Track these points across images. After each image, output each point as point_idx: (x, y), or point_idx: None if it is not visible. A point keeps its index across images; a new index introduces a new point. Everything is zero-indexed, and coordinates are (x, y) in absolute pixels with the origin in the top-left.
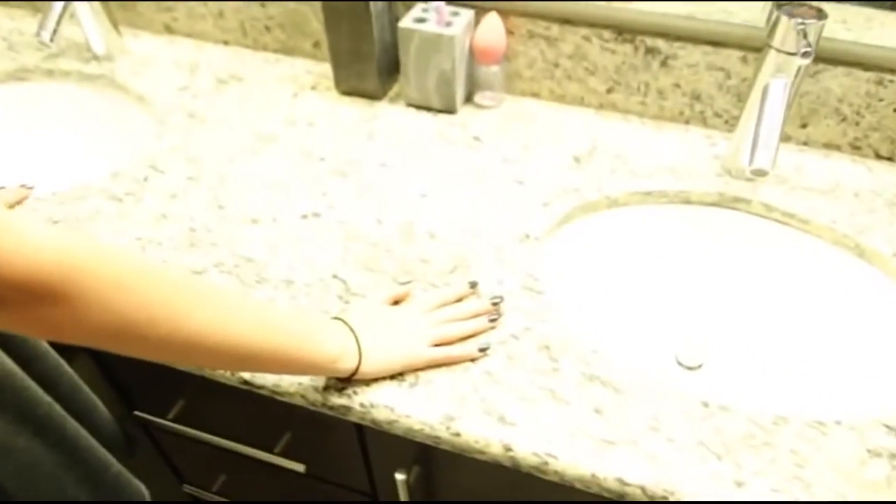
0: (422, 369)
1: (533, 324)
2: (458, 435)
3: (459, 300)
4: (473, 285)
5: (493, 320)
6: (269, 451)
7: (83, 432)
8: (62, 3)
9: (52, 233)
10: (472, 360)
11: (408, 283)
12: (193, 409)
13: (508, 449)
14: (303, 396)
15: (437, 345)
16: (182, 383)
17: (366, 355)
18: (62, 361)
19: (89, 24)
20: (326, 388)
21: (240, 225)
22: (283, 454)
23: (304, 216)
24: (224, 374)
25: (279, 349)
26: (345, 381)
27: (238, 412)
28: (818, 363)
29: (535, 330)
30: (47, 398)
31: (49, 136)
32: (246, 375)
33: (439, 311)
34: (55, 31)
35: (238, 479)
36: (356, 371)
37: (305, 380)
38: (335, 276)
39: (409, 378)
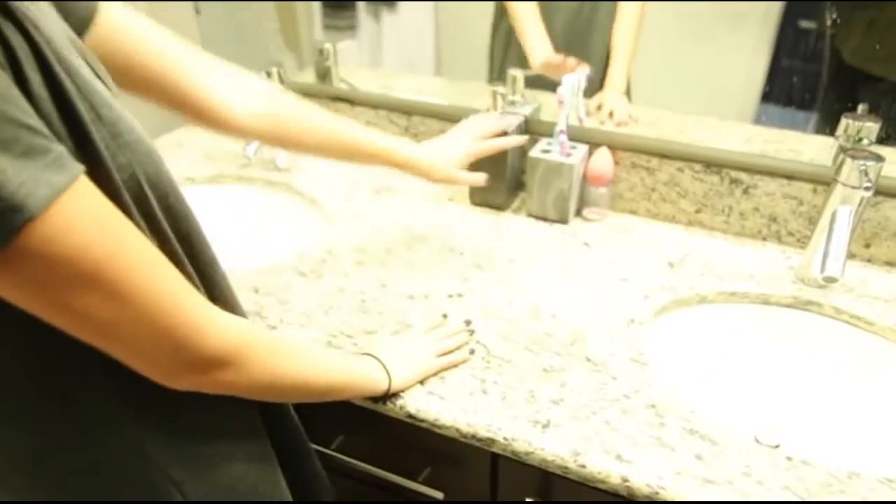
0: (436, 374)
1: (641, 388)
2: (583, 467)
3: (439, 326)
4: (468, 323)
5: (471, 332)
6: (414, 480)
7: None
8: None
9: (230, 317)
10: (465, 361)
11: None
12: (350, 442)
13: (625, 480)
14: (457, 430)
15: (440, 356)
16: (344, 418)
17: (394, 375)
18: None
19: None
20: (475, 424)
21: (400, 299)
22: (425, 483)
23: (450, 295)
24: (393, 409)
25: (343, 384)
26: (391, 398)
27: (385, 446)
28: (884, 442)
29: (643, 392)
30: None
31: (241, 226)
32: (411, 410)
33: (434, 332)
34: (257, 149)
35: None
36: (389, 388)
37: (459, 417)
38: (478, 342)
39: (542, 420)
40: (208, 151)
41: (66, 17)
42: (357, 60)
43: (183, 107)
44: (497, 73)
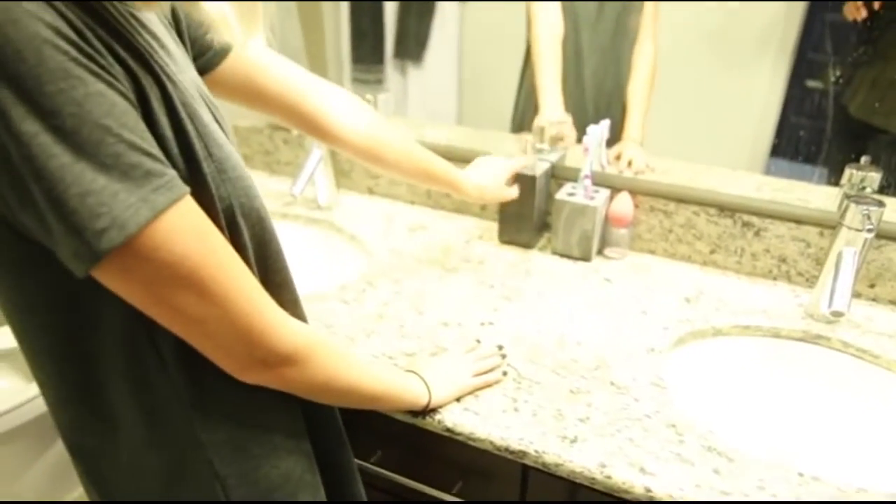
0: (471, 393)
1: (661, 408)
2: (609, 478)
3: (474, 349)
4: (500, 348)
5: (503, 356)
6: (447, 492)
7: None
8: (312, 168)
9: (298, 323)
10: (498, 381)
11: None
12: (388, 457)
13: (648, 490)
14: (491, 443)
15: (476, 375)
16: (383, 434)
17: (433, 392)
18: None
19: (321, 183)
20: (508, 438)
21: (435, 326)
22: (458, 495)
23: (482, 323)
24: (432, 423)
25: (388, 393)
26: (430, 413)
27: (420, 461)
28: (888, 464)
29: (663, 413)
30: None
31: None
32: (448, 424)
33: (470, 354)
34: (303, 189)
35: None
36: (429, 402)
37: (493, 431)
38: (509, 365)
39: (570, 436)
40: None
41: (197, 56)
42: (384, 112)
43: (300, 123)
44: (518, 123)
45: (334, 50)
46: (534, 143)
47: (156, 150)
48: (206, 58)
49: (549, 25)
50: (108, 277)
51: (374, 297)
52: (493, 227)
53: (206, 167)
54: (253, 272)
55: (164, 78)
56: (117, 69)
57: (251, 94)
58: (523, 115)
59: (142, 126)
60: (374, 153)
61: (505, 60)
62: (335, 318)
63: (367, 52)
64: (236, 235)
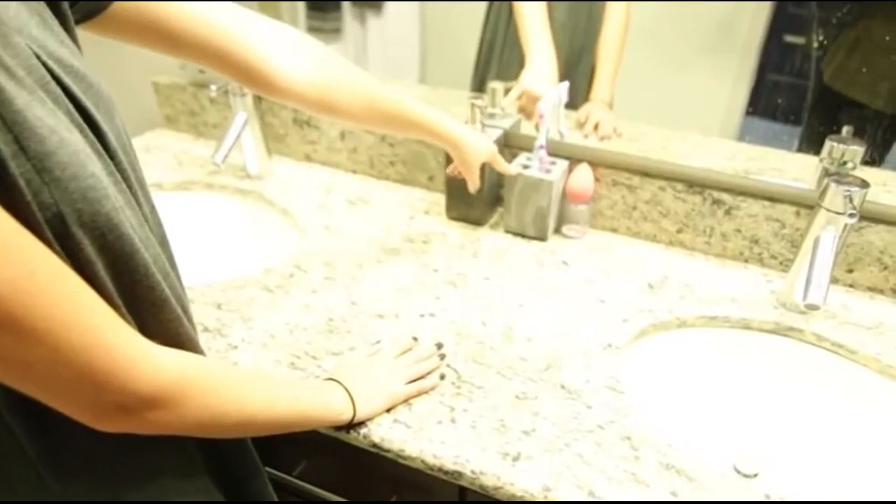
0: (404, 402)
1: (616, 418)
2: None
3: (410, 349)
4: (440, 346)
5: (442, 357)
6: None
7: None
8: (236, 133)
9: (167, 354)
10: (435, 387)
11: (377, 342)
12: (313, 468)
13: None
14: (423, 461)
15: (409, 382)
16: (307, 443)
17: (358, 404)
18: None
19: (250, 149)
20: (442, 456)
21: (369, 318)
22: None
23: (422, 315)
24: (356, 437)
25: (300, 415)
26: (355, 427)
27: (350, 473)
28: (865, 474)
29: (619, 423)
30: None
31: (208, 236)
32: (375, 439)
33: (404, 357)
34: (226, 156)
35: None
36: (353, 418)
37: (426, 447)
38: (448, 366)
39: (512, 452)
40: (178, 156)
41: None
42: None
43: (233, 73)
44: (479, 82)
45: None
46: (484, 109)
47: None
48: None
49: None
50: None
51: (303, 283)
52: (442, 200)
53: (15, 167)
54: (108, 293)
55: None
56: None
57: (163, 38)
58: (483, 74)
59: None
60: (329, 104)
61: (470, 7)
62: (255, 310)
63: None
64: (73, 250)
